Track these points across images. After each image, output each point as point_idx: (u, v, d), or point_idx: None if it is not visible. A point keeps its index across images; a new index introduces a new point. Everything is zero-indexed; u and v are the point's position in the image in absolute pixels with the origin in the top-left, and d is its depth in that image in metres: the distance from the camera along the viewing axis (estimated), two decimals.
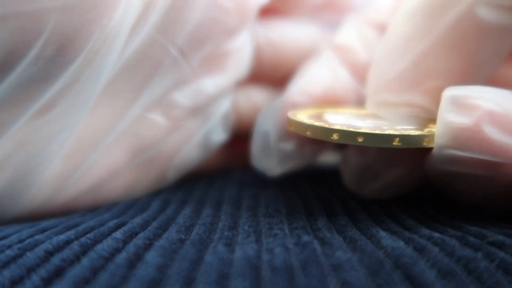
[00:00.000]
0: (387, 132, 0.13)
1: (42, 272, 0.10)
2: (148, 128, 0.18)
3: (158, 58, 0.17)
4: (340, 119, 0.15)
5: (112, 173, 0.18)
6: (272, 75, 0.21)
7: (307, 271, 0.10)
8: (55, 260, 0.11)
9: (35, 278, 0.10)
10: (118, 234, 0.13)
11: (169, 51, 0.17)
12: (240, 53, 0.19)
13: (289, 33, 0.22)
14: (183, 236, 0.13)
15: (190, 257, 0.11)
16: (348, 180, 0.16)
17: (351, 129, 0.14)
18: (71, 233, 0.13)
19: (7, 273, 0.10)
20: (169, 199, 0.18)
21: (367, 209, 0.16)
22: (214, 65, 0.19)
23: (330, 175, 0.21)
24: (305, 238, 0.12)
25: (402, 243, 0.12)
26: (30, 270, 0.11)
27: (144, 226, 0.14)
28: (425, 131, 0.14)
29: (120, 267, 0.11)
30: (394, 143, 0.13)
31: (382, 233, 0.13)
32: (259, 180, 0.20)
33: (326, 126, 0.14)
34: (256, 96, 0.22)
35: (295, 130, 0.15)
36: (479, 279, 0.10)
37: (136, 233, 0.13)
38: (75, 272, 0.10)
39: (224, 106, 0.20)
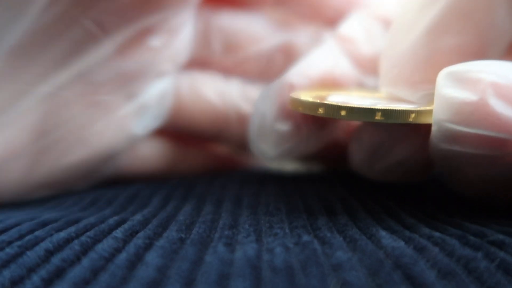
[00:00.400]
0: (370, 106, 0.13)
1: (43, 272, 0.10)
2: (58, 106, 0.17)
3: (73, 33, 0.16)
4: (340, 99, 0.15)
5: (7, 154, 0.16)
6: (222, 61, 0.21)
7: (307, 271, 0.10)
8: (56, 260, 0.11)
9: (36, 278, 0.10)
10: (118, 233, 0.13)
11: (87, 27, 0.16)
12: (175, 34, 0.19)
13: (240, 21, 0.21)
14: (183, 235, 0.13)
15: (190, 257, 0.11)
16: (358, 158, 0.16)
17: (336, 103, 0.14)
18: (71, 230, 0.13)
19: (7, 273, 0.10)
20: (170, 195, 0.18)
21: (367, 207, 0.16)
22: (140, 43, 0.18)
23: (330, 175, 0.21)
24: (305, 237, 0.12)
25: (402, 243, 0.12)
26: (31, 270, 0.11)
27: (145, 223, 0.14)
28: (417, 108, 0.14)
29: (120, 268, 0.11)
30: (377, 118, 0.13)
31: (382, 233, 0.13)
32: (260, 178, 0.20)
33: (315, 101, 0.14)
34: (201, 84, 0.21)
35: (292, 106, 0.15)
36: (479, 279, 0.10)
37: (136, 232, 0.13)
38: (76, 272, 0.10)
39: (155, 90, 0.19)
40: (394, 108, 0.13)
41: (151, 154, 0.22)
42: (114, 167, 0.20)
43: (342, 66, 0.17)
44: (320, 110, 0.14)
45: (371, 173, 0.16)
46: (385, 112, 0.13)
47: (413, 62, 0.14)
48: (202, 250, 0.12)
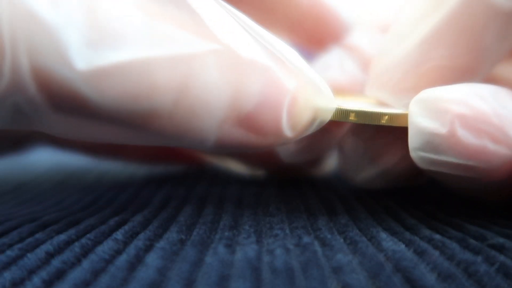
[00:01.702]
0: (344, 107, 0.14)
1: (43, 274, 0.10)
2: None
3: None
4: None
5: None
6: None
7: (308, 273, 0.10)
8: (56, 262, 0.11)
9: (36, 280, 0.10)
10: (118, 234, 0.13)
11: None
12: None
13: None
14: (183, 237, 0.13)
15: (190, 258, 0.11)
16: (344, 167, 0.16)
17: (343, 107, 0.14)
18: (72, 232, 0.13)
19: (8, 275, 0.10)
20: (170, 195, 0.18)
21: (367, 207, 0.16)
22: None
23: (330, 174, 0.21)
24: (306, 239, 0.12)
25: (402, 246, 0.12)
26: (31, 272, 0.11)
27: (145, 224, 0.14)
28: (392, 111, 0.14)
29: (120, 270, 0.11)
30: (351, 118, 0.14)
31: (383, 235, 0.13)
32: (261, 178, 0.20)
33: None
34: None
35: None
36: (479, 282, 0.10)
37: (137, 233, 0.13)
38: (76, 274, 0.10)
39: None
40: (367, 110, 0.14)
41: None
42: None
43: (348, 72, 0.18)
44: None
45: (357, 181, 0.16)
46: (358, 114, 0.14)
47: (404, 69, 0.15)
48: (202, 251, 0.12)
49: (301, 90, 0.13)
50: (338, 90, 0.17)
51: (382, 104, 0.15)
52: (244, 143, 0.13)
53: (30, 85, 0.11)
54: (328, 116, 0.14)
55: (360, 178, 0.16)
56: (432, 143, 0.13)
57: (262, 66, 0.12)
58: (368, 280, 0.10)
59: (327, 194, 0.17)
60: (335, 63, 0.18)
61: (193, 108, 0.12)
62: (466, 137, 0.12)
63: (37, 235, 0.13)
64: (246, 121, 0.12)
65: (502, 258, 0.11)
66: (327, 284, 0.10)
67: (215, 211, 0.15)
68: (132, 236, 0.13)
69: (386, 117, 0.14)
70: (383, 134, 0.15)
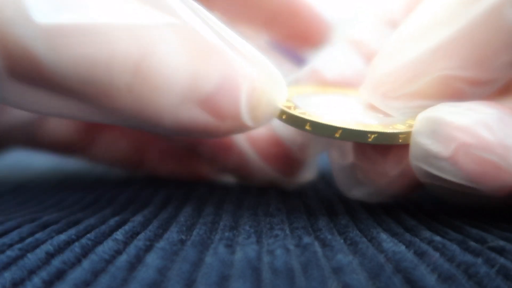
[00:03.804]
0: (331, 123, 0.13)
1: (43, 274, 0.10)
2: None
3: None
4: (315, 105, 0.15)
5: None
6: None
7: (308, 273, 0.10)
8: (56, 262, 0.11)
9: (36, 280, 0.10)
10: (119, 234, 0.13)
11: None
12: None
13: None
14: (183, 237, 0.13)
15: (190, 259, 0.11)
16: (337, 181, 0.16)
17: (300, 115, 0.14)
18: (72, 232, 0.13)
19: (8, 275, 0.10)
20: (171, 195, 0.18)
21: (368, 208, 0.16)
22: None
23: (330, 174, 0.21)
24: (306, 239, 0.12)
25: (403, 247, 0.12)
26: (31, 272, 0.11)
27: (145, 224, 0.14)
28: (377, 128, 0.14)
29: (120, 270, 0.11)
30: (336, 135, 0.13)
31: (383, 236, 0.13)
32: None
33: (284, 109, 0.14)
34: None
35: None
36: (479, 284, 0.10)
37: (137, 233, 0.13)
38: (76, 274, 0.10)
39: None
40: (352, 128, 0.13)
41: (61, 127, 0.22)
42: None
43: (354, 65, 0.18)
44: (284, 116, 0.14)
45: (351, 197, 0.16)
46: (344, 132, 0.13)
47: (409, 75, 0.14)
48: (202, 252, 0.12)
49: (259, 77, 0.13)
50: (341, 84, 0.17)
51: (373, 107, 0.15)
52: (202, 127, 0.13)
53: None
54: (278, 107, 0.14)
55: (354, 196, 0.16)
56: (434, 164, 0.13)
57: (222, 50, 0.13)
58: (368, 281, 0.10)
59: (327, 195, 0.17)
60: (340, 56, 0.18)
61: (152, 81, 0.12)
62: (469, 164, 0.13)
63: (37, 235, 0.13)
64: (206, 102, 0.13)
65: (502, 260, 0.11)
66: (327, 284, 0.10)
67: (215, 211, 0.15)
68: (132, 236, 0.13)
69: (340, 131, 0.13)
70: (365, 154, 0.15)
